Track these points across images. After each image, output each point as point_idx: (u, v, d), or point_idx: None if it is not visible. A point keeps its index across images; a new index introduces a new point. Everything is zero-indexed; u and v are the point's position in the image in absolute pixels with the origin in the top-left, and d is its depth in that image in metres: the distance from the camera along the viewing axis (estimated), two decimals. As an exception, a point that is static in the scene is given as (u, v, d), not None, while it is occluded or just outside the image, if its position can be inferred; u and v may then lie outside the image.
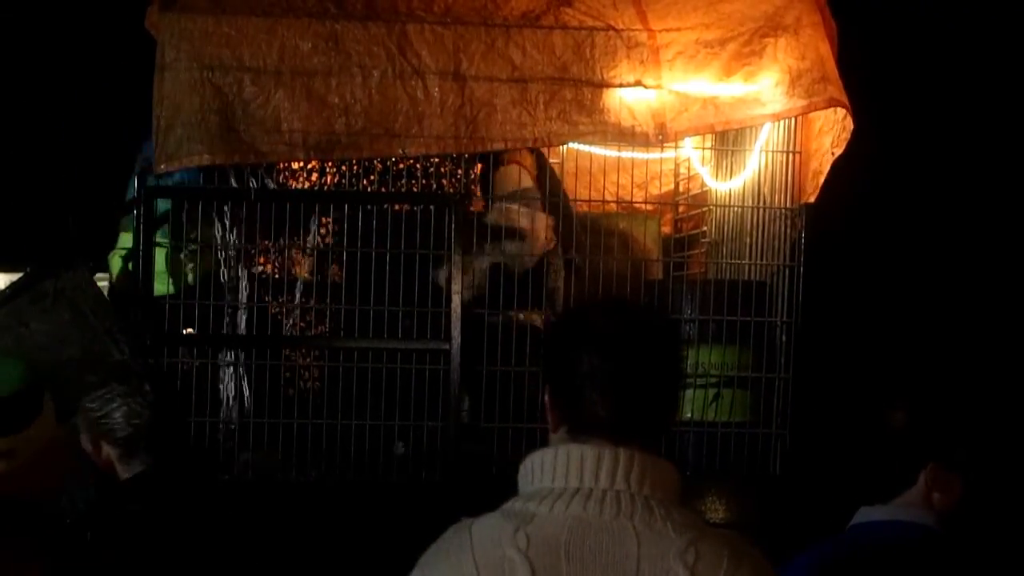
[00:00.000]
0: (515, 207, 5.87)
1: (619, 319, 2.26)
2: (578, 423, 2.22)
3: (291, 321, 5.78)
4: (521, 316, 5.60)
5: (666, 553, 2.11)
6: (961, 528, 3.00)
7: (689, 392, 5.45)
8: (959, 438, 3.04)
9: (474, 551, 2.12)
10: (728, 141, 6.12)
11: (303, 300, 5.72)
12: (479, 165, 5.99)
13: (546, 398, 2.28)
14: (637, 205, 6.47)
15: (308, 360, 5.65)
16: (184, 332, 5.45)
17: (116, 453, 2.93)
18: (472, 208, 5.70)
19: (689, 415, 5.42)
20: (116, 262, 5.90)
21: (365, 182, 5.58)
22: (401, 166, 5.89)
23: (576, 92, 5.36)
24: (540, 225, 5.85)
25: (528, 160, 6.19)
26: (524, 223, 5.87)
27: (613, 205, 6.49)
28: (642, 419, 2.22)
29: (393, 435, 5.44)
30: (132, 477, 2.92)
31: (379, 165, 5.74)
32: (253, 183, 5.49)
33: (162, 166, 5.20)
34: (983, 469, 3.01)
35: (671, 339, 2.31)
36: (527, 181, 6.06)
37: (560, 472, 2.18)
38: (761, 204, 5.81)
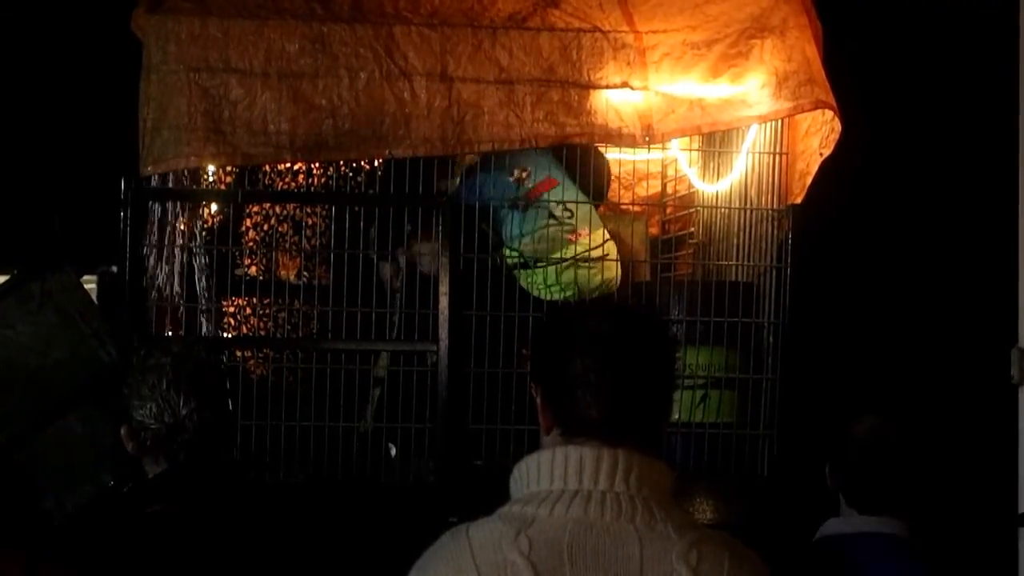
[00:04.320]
0: None
1: (611, 319, 2.26)
2: (571, 424, 2.21)
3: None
4: None
5: (668, 554, 2.11)
6: (929, 532, 3.03)
7: (676, 393, 5.43)
8: (927, 446, 3.07)
9: (475, 556, 2.11)
10: (715, 142, 6.12)
11: (289, 302, 5.72)
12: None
13: (538, 400, 2.27)
14: (624, 206, 6.48)
15: (295, 362, 5.65)
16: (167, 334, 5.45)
17: (144, 447, 2.89)
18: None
19: (676, 416, 5.42)
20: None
21: (352, 183, 5.58)
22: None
23: (563, 94, 5.35)
24: None
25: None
26: None
27: (600, 206, 6.50)
28: (636, 420, 2.21)
29: (382, 437, 5.43)
30: (156, 476, 2.89)
31: (367, 166, 5.74)
32: None
33: (148, 168, 5.18)
34: (949, 474, 3.04)
35: (664, 339, 2.31)
36: None
37: (558, 474, 2.17)
38: (748, 205, 5.82)
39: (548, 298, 5.67)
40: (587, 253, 5.76)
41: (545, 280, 5.70)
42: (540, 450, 2.22)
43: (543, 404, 2.26)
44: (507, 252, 5.75)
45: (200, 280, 5.85)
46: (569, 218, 5.76)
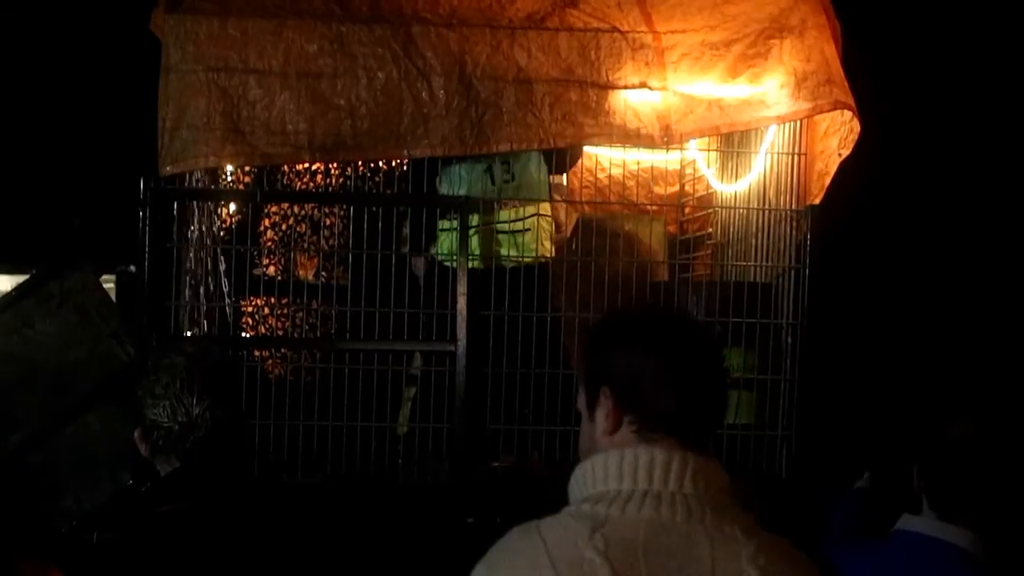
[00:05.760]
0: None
1: (672, 323, 2.32)
2: (647, 423, 2.23)
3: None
4: None
5: (738, 556, 2.14)
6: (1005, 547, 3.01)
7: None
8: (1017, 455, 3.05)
9: (550, 553, 2.11)
10: (733, 143, 6.12)
11: (309, 302, 5.73)
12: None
13: (608, 401, 2.27)
14: (642, 206, 6.47)
15: (313, 362, 5.66)
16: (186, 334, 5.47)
17: (156, 446, 2.90)
18: None
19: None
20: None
21: (370, 183, 5.59)
22: (405, 167, 5.89)
23: (581, 94, 5.35)
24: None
25: None
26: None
27: (618, 206, 6.50)
28: (705, 418, 2.27)
29: (398, 436, 5.43)
30: (169, 475, 2.89)
31: (384, 166, 5.74)
32: None
33: (167, 168, 5.19)
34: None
35: (717, 342, 2.40)
36: None
37: (628, 473, 2.20)
38: (766, 206, 5.82)
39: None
40: (521, 223, 5.70)
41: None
42: (607, 450, 2.24)
43: (614, 405, 2.27)
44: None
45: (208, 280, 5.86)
46: (507, 179, 5.72)
